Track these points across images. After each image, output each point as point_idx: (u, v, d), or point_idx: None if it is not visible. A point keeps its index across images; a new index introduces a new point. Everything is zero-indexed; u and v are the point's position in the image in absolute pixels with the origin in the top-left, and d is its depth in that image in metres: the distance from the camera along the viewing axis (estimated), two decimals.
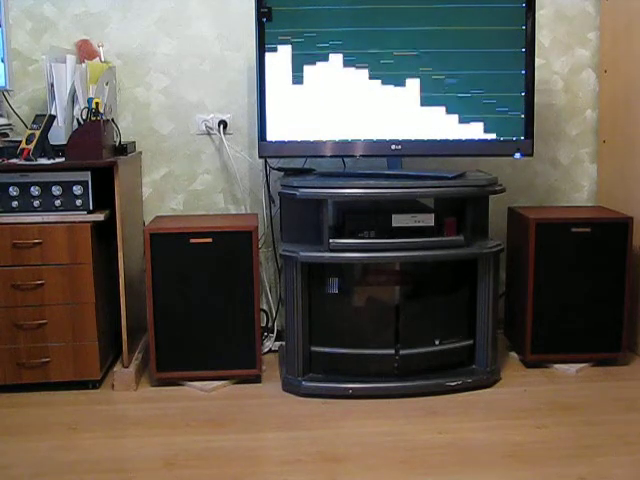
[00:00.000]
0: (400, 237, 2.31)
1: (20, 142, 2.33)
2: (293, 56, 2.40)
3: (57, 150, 2.35)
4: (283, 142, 2.45)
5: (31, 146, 2.29)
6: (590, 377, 2.49)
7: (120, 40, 2.75)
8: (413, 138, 2.46)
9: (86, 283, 2.33)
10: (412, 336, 2.39)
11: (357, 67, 2.42)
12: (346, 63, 2.42)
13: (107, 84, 2.51)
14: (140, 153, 2.78)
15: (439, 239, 2.33)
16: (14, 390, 2.35)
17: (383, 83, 2.43)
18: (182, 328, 2.39)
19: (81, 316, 2.34)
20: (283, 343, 2.55)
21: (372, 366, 2.38)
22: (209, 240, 2.37)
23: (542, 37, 2.86)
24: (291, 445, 2.03)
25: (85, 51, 2.57)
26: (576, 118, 2.93)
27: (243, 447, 2.01)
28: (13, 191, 2.30)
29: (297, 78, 2.42)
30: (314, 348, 2.39)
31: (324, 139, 2.45)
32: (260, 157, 2.59)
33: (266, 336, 2.82)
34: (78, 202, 2.32)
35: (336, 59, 2.42)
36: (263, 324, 2.78)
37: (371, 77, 2.43)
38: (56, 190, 2.31)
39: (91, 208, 2.33)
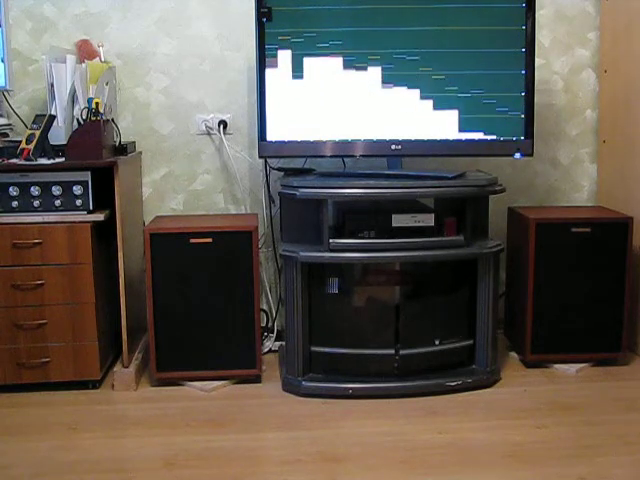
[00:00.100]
0: (400, 237, 2.31)
1: (20, 142, 2.33)
2: (293, 56, 2.40)
3: (57, 150, 2.35)
4: (283, 142, 2.45)
5: (31, 146, 2.29)
6: (590, 377, 2.49)
7: (120, 40, 2.75)
8: (413, 138, 2.46)
9: (86, 283, 2.33)
10: (412, 336, 2.39)
11: (357, 67, 2.42)
12: (346, 63, 2.42)
13: (107, 84, 2.51)
14: (140, 153, 2.78)
15: (439, 239, 2.33)
16: (14, 390, 2.35)
17: (383, 83, 2.43)
18: (182, 328, 2.39)
19: (81, 316, 2.34)
20: (283, 343, 2.55)
21: (372, 366, 2.38)
22: (209, 240, 2.37)
23: (542, 37, 2.86)
24: (291, 445, 2.03)
25: (85, 51, 2.57)
26: (576, 118, 2.93)
27: (243, 447, 2.01)
28: (13, 191, 2.30)
29: (297, 78, 2.42)
30: (314, 348, 2.39)
31: (324, 139, 2.45)
32: (260, 157, 2.59)
33: (266, 336, 2.82)
34: (78, 202, 2.32)
35: (336, 59, 2.42)
36: (263, 324, 2.78)
37: (371, 77, 2.43)
38: (56, 190, 2.31)
39: (91, 208, 2.33)
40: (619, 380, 2.46)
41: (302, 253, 2.30)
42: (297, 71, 2.42)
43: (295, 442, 2.04)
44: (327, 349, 2.39)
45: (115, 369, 2.41)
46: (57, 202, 2.31)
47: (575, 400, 2.30)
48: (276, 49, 2.40)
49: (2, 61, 2.47)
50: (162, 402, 2.32)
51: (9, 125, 2.57)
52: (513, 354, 2.68)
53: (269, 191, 2.79)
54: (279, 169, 2.69)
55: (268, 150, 2.47)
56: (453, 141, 2.46)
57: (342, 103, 2.44)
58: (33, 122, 2.36)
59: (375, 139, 2.46)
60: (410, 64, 2.42)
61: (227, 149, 2.81)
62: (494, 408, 2.25)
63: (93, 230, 2.33)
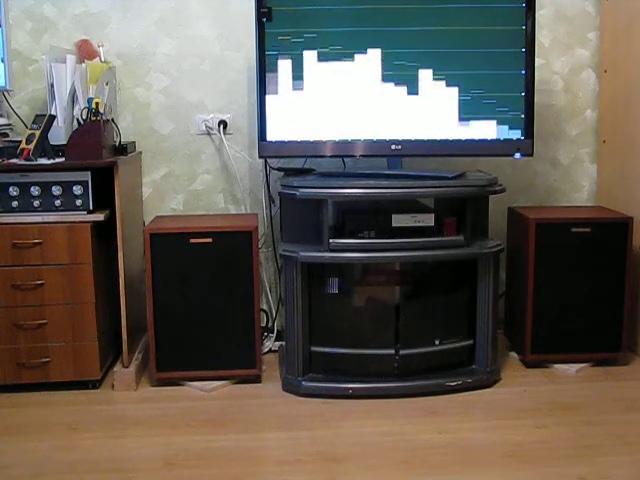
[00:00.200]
0: (400, 237, 2.31)
1: (20, 142, 2.33)
2: (293, 56, 2.40)
3: (57, 150, 2.35)
4: (283, 142, 2.45)
5: (31, 146, 2.29)
6: (590, 377, 2.49)
7: (120, 40, 2.75)
8: (413, 138, 2.46)
9: (86, 283, 2.33)
10: (412, 336, 2.39)
11: (357, 67, 2.42)
12: (346, 63, 2.42)
13: (107, 84, 2.51)
14: (140, 153, 2.78)
15: (439, 239, 2.33)
16: (14, 390, 2.35)
17: (383, 82, 2.43)
18: (182, 328, 2.39)
19: (81, 316, 2.34)
20: (283, 343, 2.55)
21: (372, 366, 2.38)
22: (209, 240, 2.37)
23: (542, 37, 2.86)
24: (291, 445, 2.03)
25: (85, 51, 2.57)
26: (576, 118, 2.93)
27: (243, 447, 2.01)
28: (13, 191, 2.30)
29: (297, 78, 2.42)
30: (314, 348, 2.39)
31: (324, 139, 2.45)
32: (260, 157, 2.59)
33: (266, 336, 2.82)
34: (78, 202, 2.32)
35: (336, 59, 2.41)
36: (263, 324, 2.78)
37: (371, 77, 2.43)
38: (56, 190, 2.31)
39: (91, 208, 2.33)
40: (619, 380, 2.46)
41: (302, 253, 2.30)
42: (297, 71, 2.42)
43: (295, 442, 2.04)
44: (327, 349, 2.39)
45: (115, 369, 2.41)
46: (57, 202, 2.31)
47: (575, 400, 2.30)
48: (276, 49, 2.40)
49: (2, 61, 2.47)
50: (162, 402, 2.32)
51: (9, 125, 2.57)
52: (513, 354, 2.68)
53: (269, 191, 2.79)
54: (279, 169, 2.69)
55: (268, 150, 2.47)
56: (453, 141, 2.46)
57: (342, 103, 2.44)
58: (33, 122, 2.36)
59: (375, 139, 2.46)
60: (410, 64, 2.42)
61: (227, 149, 2.81)
62: (494, 408, 2.25)
63: (93, 230, 2.33)
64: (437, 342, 2.41)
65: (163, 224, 2.45)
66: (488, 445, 2.01)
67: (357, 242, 2.31)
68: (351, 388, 2.33)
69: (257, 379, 2.47)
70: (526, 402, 2.29)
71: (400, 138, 2.45)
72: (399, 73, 2.43)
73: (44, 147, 2.33)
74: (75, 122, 2.43)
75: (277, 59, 2.40)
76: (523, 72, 2.45)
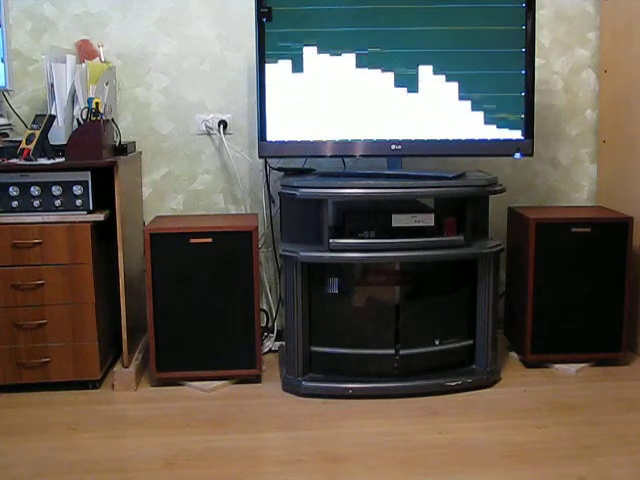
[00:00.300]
0: (400, 237, 2.31)
1: (20, 142, 2.33)
2: (292, 56, 2.40)
3: (57, 150, 2.35)
4: (283, 142, 2.45)
5: (31, 146, 2.29)
6: (590, 377, 2.49)
7: (120, 40, 2.75)
8: (413, 138, 2.46)
9: (86, 283, 2.33)
10: (412, 336, 2.39)
11: (356, 67, 2.42)
12: (346, 63, 2.42)
13: (107, 84, 2.51)
14: (140, 153, 2.78)
15: (439, 239, 2.33)
16: (14, 390, 2.35)
17: (383, 83, 2.43)
18: (182, 328, 2.39)
19: (81, 316, 2.34)
20: (283, 343, 2.55)
21: (372, 366, 2.38)
22: (209, 240, 2.37)
23: (542, 37, 2.86)
24: (291, 445, 2.03)
25: (85, 51, 2.57)
26: (576, 118, 2.93)
27: (243, 447, 2.01)
28: (13, 191, 2.30)
29: (297, 78, 2.42)
30: (314, 348, 2.39)
31: (324, 139, 2.45)
32: (260, 157, 2.59)
33: (266, 336, 2.82)
34: (78, 202, 2.32)
35: (336, 59, 2.42)
36: (263, 324, 2.78)
37: (371, 77, 2.43)
38: (56, 190, 2.31)
39: (91, 208, 2.33)
40: (619, 380, 2.46)
41: (302, 253, 2.30)
42: (297, 71, 2.42)
43: (295, 442, 2.04)
44: (327, 349, 2.39)
45: (115, 369, 2.41)
46: (57, 202, 2.31)
47: (575, 400, 2.30)
48: (276, 49, 2.40)
49: (2, 61, 2.47)
50: (162, 402, 2.32)
51: (9, 125, 2.57)
52: (513, 354, 2.68)
53: (269, 191, 2.79)
54: (279, 169, 2.69)
55: (268, 150, 2.47)
56: (453, 141, 2.46)
57: (342, 103, 2.44)
58: (33, 122, 2.36)
59: (375, 139, 2.46)
60: (410, 64, 2.42)
61: (227, 149, 2.81)
62: (494, 408, 2.25)
63: (93, 230, 2.33)
64: (437, 342, 2.41)
65: (163, 224, 2.45)
66: (488, 445, 2.01)
67: (357, 242, 2.31)
68: (351, 388, 2.33)
69: (257, 379, 2.47)
70: (526, 402, 2.29)
71: (400, 138, 2.45)
72: (399, 73, 2.43)
73: (44, 147, 2.33)
74: (75, 122, 2.43)
75: (277, 59, 2.40)
76: (523, 72, 2.45)
